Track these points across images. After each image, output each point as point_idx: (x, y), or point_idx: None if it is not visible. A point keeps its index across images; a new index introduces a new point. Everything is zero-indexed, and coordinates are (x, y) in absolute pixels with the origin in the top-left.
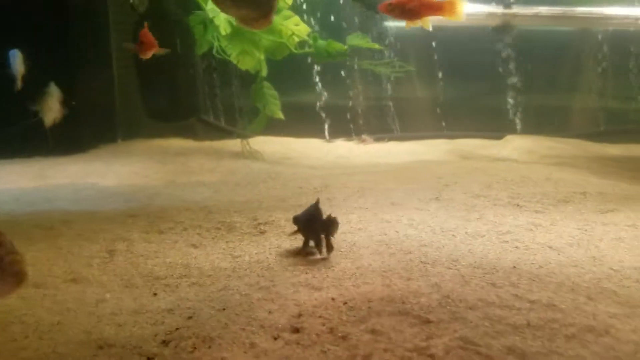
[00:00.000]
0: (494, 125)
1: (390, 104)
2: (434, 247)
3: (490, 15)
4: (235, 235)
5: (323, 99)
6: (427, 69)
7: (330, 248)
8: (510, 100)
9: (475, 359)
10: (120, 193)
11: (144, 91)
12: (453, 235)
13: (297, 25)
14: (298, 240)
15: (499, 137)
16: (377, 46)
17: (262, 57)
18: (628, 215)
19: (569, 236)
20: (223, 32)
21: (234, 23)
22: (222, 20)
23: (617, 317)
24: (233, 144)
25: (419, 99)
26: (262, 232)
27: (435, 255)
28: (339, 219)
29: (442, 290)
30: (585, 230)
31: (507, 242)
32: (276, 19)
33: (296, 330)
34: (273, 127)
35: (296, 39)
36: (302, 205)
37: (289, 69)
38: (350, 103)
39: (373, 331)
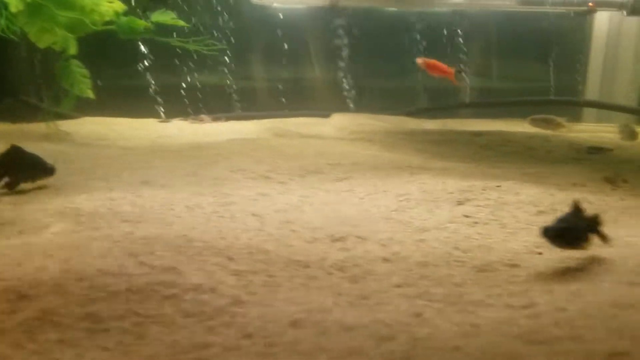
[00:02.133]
0: (333, 104)
1: (233, 84)
2: (142, 220)
3: None
4: None
5: (164, 78)
6: (271, 50)
7: None
8: (347, 81)
9: (46, 328)
10: None
11: None
12: (171, 208)
13: (111, 2)
14: None
15: (328, 116)
16: (182, 23)
17: (70, 34)
18: (356, 183)
19: (284, 203)
20: (14, 9)
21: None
22: None
23: (238, 274)
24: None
25: (263, 80)
26: None
27: (128, 229)
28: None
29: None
30: (306, 197)
31: (217, 212)
32: None
33: None
34: (108, 108)
35: (100, 17)
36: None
37: (130, 48)
38: (191, 82)
39: None
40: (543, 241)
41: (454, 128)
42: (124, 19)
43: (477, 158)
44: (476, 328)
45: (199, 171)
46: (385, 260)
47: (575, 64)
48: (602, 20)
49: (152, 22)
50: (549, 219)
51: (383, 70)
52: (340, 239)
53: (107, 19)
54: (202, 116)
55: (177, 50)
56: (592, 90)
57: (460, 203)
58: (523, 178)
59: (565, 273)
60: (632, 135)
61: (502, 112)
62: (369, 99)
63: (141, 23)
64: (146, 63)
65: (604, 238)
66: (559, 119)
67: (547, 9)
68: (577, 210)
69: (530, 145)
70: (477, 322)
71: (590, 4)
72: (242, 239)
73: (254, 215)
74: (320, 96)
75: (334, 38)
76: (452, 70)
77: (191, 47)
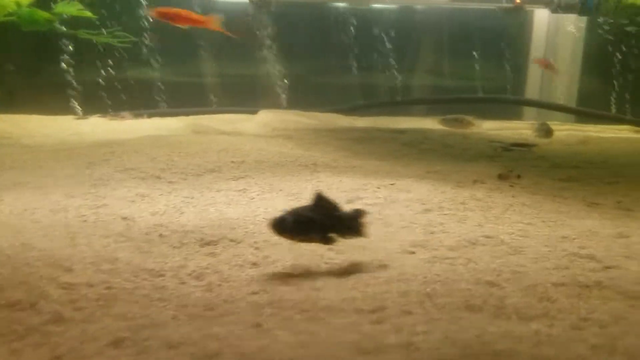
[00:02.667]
0: (266, 101)
1: (160, 80)
2: None
3: None
4: None
5: (85, 73)
6: (202, 46)
7: None
8: (281, 77)
9: None
10: None
11: None
12: (33, 212)
13: None
14: None
15: (255, 112)
16: (88, 14)
17: None
18: (252, 182)
19: (164, 205)
20: None
21: None
22: None
23: (69, 288)
24: None
25: (193, 76)
26: None
27: None
28: None
29: None
30: (191, 197)
31: (83, 216)
32: None
33: None
34: (26, 105)
35: (2, 9)
36: None
37: (52, 42)
38: (116, 78)
39: None
40: (421, 240)
41: (383, 126)
42: (26, 10)
43: (396, 155)
44: (314, 337)
45: (85, 171)
46: (254, 264)
47: (516, 62)
48: (542, 17)
49: (56, 13)
50: (432, 217)
51: (320, 67)
52: (211, 242)
53: (10, 10)
54: (123, 113)
55: (101, 45)
56: (532, 88)
57: (349, 202)
58: (427, 175)
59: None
60: (547, 133)
61: (439, 110)
62: (304, 96)
63: (43, 14)
64: (67, 57)
65: (356, 232)
66: (469, 118)
67: (475, 5)
68: (319, 202)
69: (449, 142)
70: (318, 331)
71: (517, 0)
72: (94, 246)
73: (124, 219)
74: (253, 92)
75: (269, 34)
76: (207, 19)
77: (101, 40)
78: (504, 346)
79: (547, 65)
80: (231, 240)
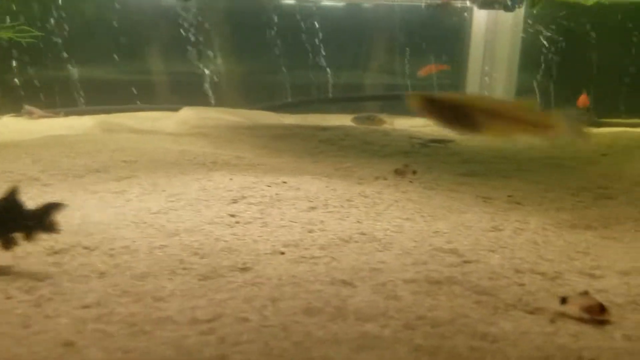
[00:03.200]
0: (193, 98)
1: (81, 77)
2: None
3: None
4: None
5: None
6: (126, 42)
7: None
8: (210, 75)
9: None
10: None
11: None
12: None
13: None
14: None
15: (177, 109)
16: None
17: None
18: (135, 182)
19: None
20: None
21: None
22: None
23: None
24: None
25: (120, 73)
26: None
27: None
28: None
29: None
30: (61, 200)
31: None
32: None
33: None
34: None
35: None
36: None
37: None
38: (34, 76)
39: None
40: (296, 239)
41: (312, 123)
42: None
43: (313, 152)
44: (127, 355)
45: None
46: (101, 274)
47: (454, 59)
48: (481, 14)
49: None
50: (314, 215)
51: (252, 64)
52: (61, 251)
53: None
54: (32, 109)
55: (22, 42)
56: (472, 85)
57: (234, 201)
58: (334, 173)
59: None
60: None
61: (373, 107)
62: (236, 93)
63: None
64: None
65: (45, 228)
66: (380, 116)
67: (403, 2)
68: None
69: (369, 139)
70: (135, 347)
71: None
72: None
73: None
74: (181, 90)
75: (195, 30)
76: None
77: (3, 35)
78: (320, 352)
79: (434, 69)
80: (84, 248)
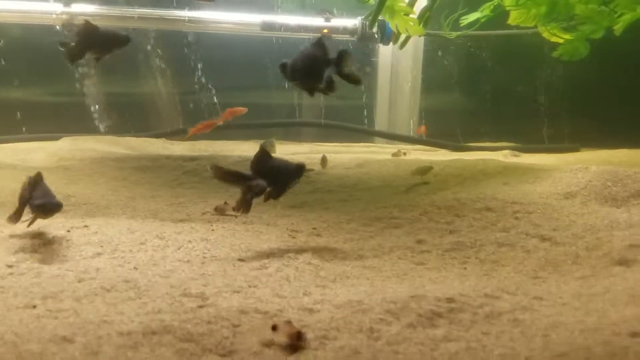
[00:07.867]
0: (80, 126)
1: None
2: None
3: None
4: None
5: None
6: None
7: None
8: (97, 101)
9: None
10: None
11: None
12: None
13: None
14: None
15: (58, 139)
16: None
17: None
18: None
19: None
20: None
21: None
22: None
23: None
24: None
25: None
26: None
27: None
28: None
29: None
30: None
31: None
32: None
33: None
34: None
35: None
36: None
37: None
38: None
39: None
40: (54, 291)
41: (191, 152)
42: None
43: (172, 185)
44: None
45: None
46: None
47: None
48: (387, 48)
49: None
50: (96, 262)
51: (144, 89)
52: None
53: None
54: None
55: None
56: (380, 117)
57: (20, 250)
58: (165, 208)
59: None
60: (323, 162)
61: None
62: (128, 119)
63: None
64: None
65: None
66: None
67: (282, 34)
68: None
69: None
70: None
71: (324, 30)
72: None
73: None
74: (68, 117)
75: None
76: None
77: None
78: None
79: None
80: None
